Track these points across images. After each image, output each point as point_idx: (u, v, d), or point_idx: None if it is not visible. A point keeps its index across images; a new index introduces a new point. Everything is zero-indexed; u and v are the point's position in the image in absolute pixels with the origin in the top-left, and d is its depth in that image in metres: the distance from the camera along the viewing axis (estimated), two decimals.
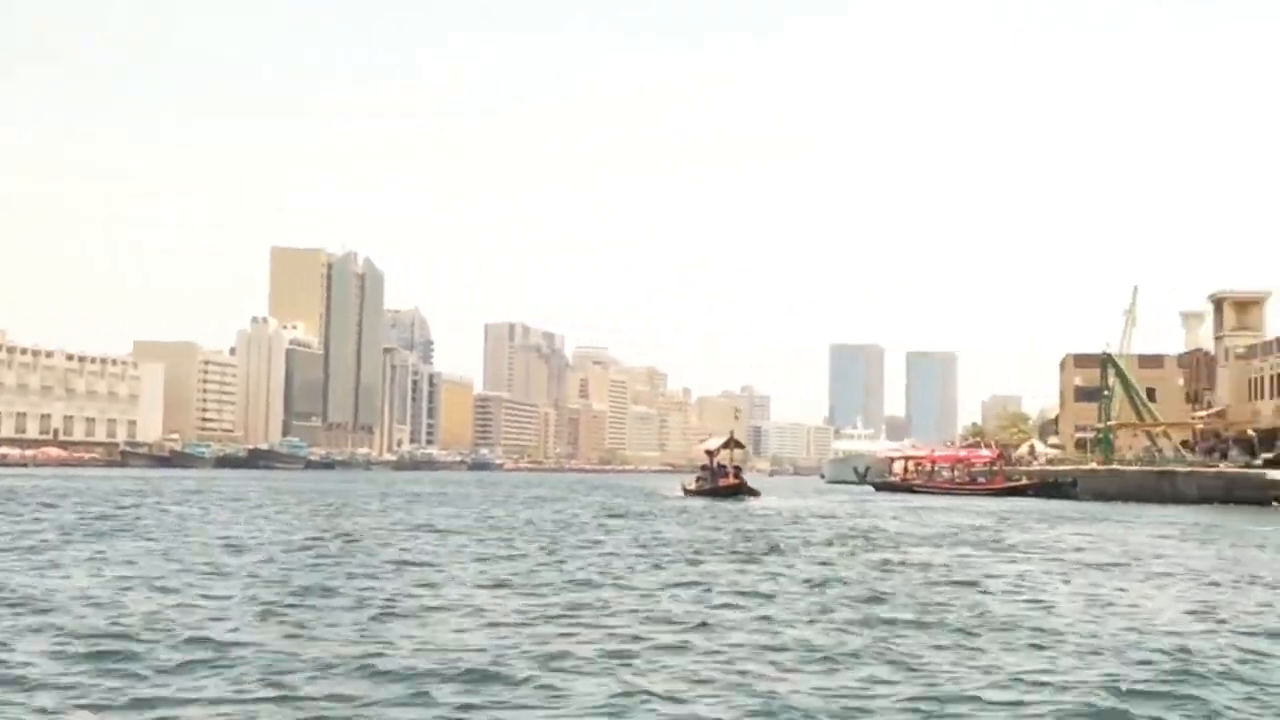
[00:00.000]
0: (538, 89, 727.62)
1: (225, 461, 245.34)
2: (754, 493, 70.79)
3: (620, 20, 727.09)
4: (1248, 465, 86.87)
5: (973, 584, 23.55)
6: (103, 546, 29.87)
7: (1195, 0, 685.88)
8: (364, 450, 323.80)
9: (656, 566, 26.42)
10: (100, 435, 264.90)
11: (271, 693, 12.10)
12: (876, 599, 20.56)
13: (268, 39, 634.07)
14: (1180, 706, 12.03)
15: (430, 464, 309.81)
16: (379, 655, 14.02)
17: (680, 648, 15.09)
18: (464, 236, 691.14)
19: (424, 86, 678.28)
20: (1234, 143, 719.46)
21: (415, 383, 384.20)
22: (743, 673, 13.53)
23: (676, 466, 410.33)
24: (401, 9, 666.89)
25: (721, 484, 70.08)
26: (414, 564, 25.78)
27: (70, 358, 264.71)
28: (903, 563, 28.36)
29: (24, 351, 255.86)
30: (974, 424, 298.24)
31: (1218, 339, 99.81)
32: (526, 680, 12.89)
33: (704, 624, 17.03)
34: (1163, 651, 15.09)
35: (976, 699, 12.16)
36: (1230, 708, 12.04)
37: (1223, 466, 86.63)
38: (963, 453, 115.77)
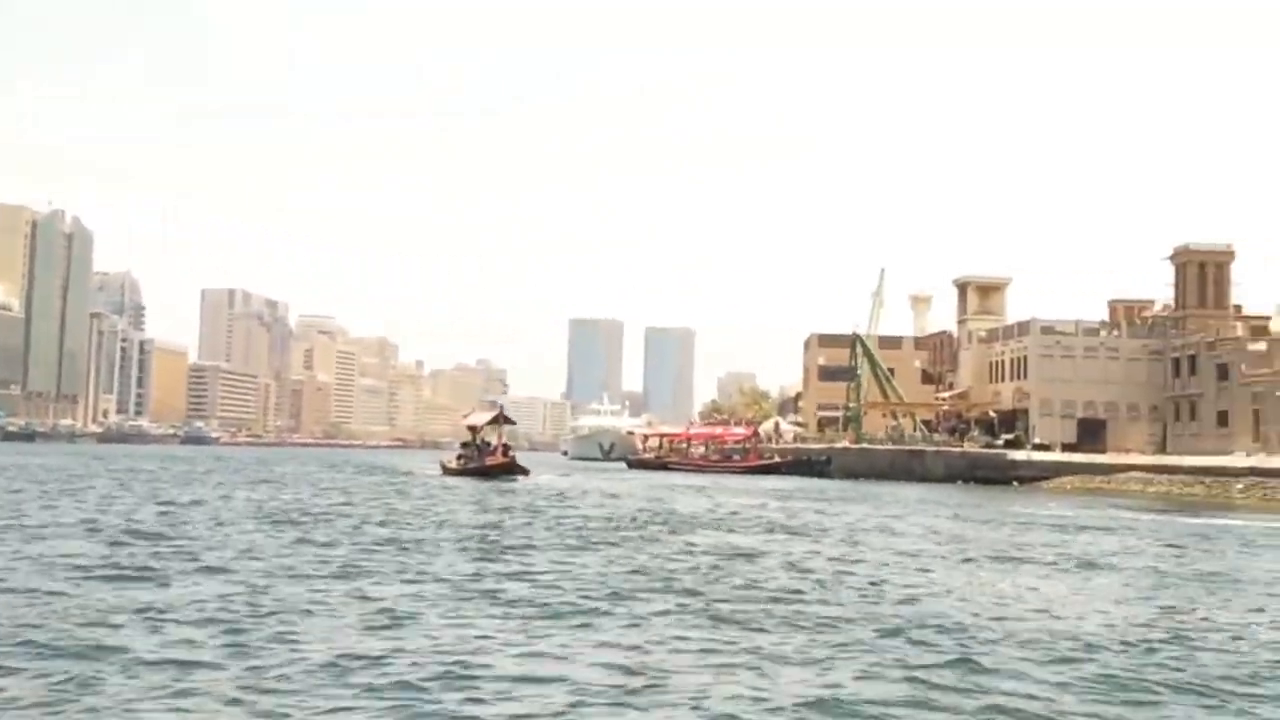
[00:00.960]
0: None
1: None
2: (524, 471, 70.48)
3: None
4: (989, 445, 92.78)
5: (840, 575, 24.27)
6: None
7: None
8: (67, 421, 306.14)
9: (479, 557, 26.12)
10: None
11: None
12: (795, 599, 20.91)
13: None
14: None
15: (140, 436, 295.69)
16: None
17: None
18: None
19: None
20: (978, 132, 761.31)
21: (124, 350, 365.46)
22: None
23: (406, 442, 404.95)
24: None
25: (489, 462, 69.27)
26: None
27: None
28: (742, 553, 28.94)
29: None
30: (713, 401, 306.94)
31: (960, 322, 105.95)
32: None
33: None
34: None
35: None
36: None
37: (966, 447, 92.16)
38: (719, 430, 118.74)
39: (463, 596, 18.90)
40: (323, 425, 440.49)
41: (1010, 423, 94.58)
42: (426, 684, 12.54)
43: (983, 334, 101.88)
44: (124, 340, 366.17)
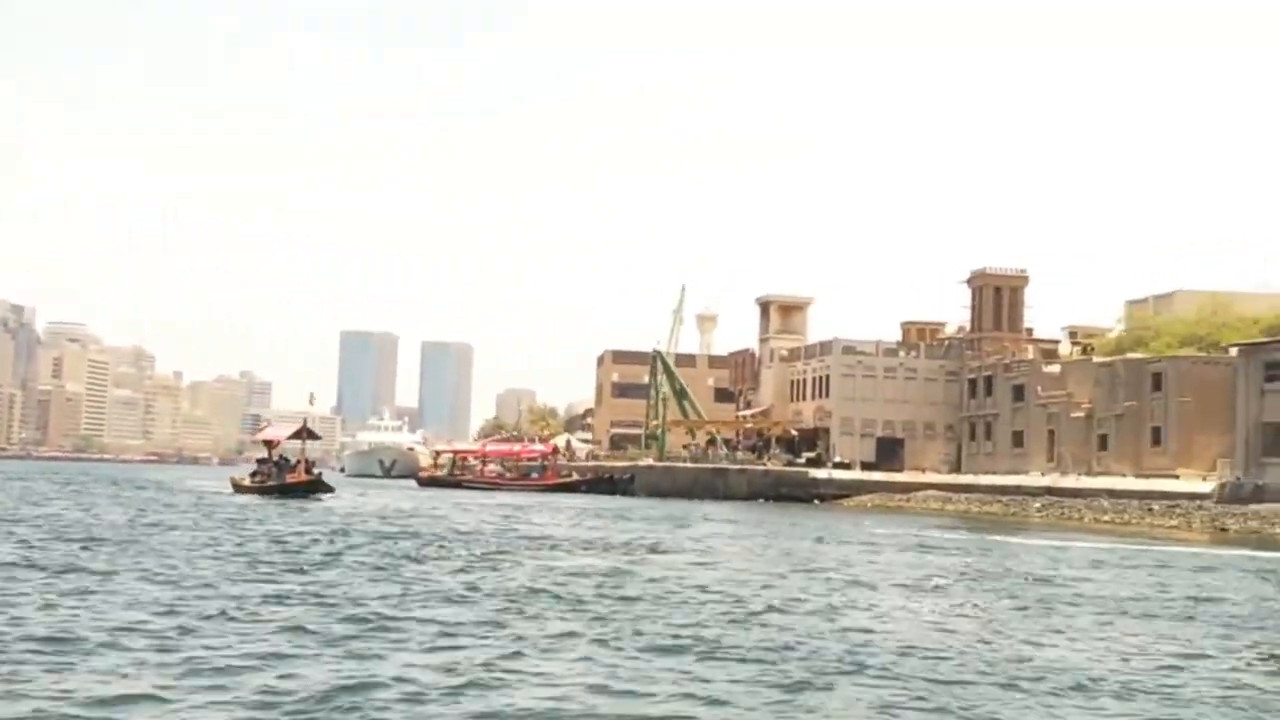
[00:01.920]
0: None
1: None
2: (329, 489, 67.83)
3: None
4: (790, 464, 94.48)
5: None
6: None
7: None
8: None
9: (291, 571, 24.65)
10: None
11: None
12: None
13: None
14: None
15: None
16: None
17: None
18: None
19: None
20: (786, 152, 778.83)
21: None
22: None
23: (163, 456, 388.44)
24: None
25: (291, 479, 66.35)
26: None
27: None
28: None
29: None
30: (495, 417, 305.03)
31: (763, 341, 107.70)
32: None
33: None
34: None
35: None
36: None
37: (769, 465, 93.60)
38: (516, 447, 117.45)
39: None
40: (72, 438, 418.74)
41: (812, 441, 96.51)
42: None
43: (784, 353, 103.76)
44: None
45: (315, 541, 33.21)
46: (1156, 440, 75.20)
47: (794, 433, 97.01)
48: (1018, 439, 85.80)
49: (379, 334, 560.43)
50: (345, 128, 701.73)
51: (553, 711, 12.34)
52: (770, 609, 20.87)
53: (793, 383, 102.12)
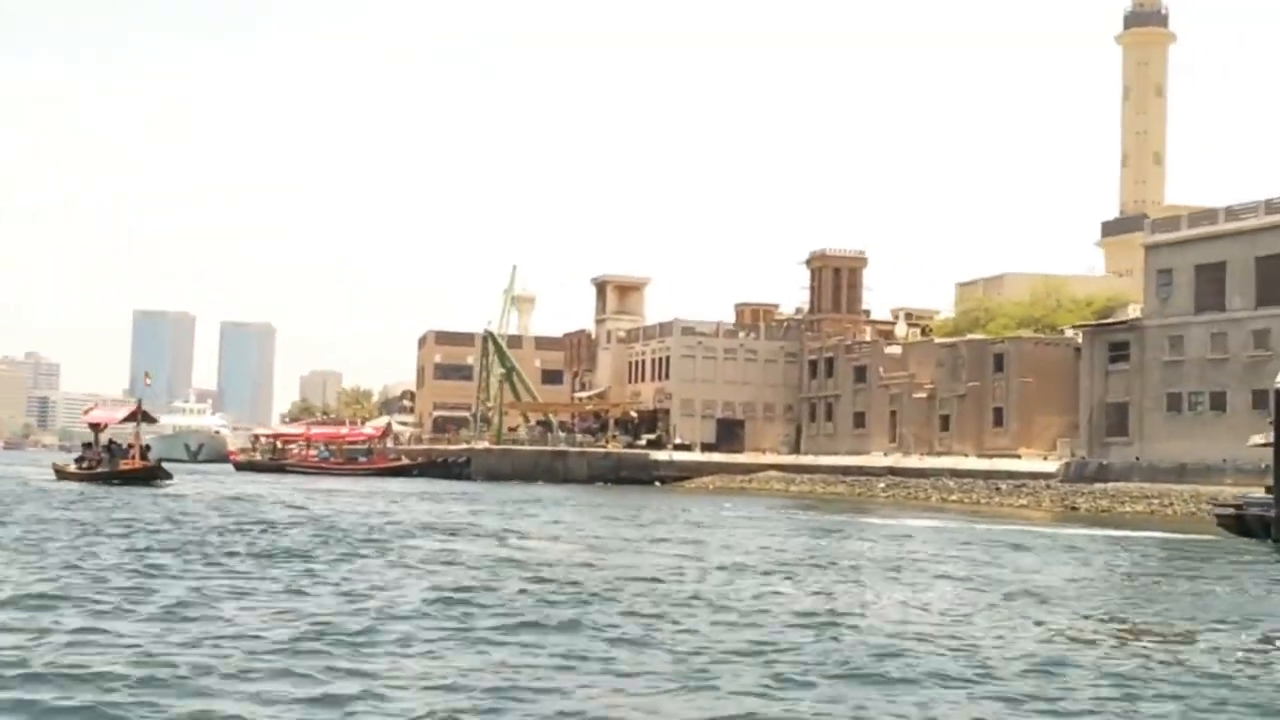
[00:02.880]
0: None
1: None
2: (168, 475, 63.75)
3: None
4: (630, 446, 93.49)
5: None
6: None
7: None
8: None
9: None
10: None
11: None
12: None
13: None
14: None
15: None
16: None
17: None
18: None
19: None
20: (611, 133, 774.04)
21: None
22: None
23: None
24: None
25: (125, 466, 62.13)
26: None
27: None
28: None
29: None
30: (303, 399, 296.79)
31: (599, 321, 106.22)
32: None
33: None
34: None
35: None
36: None
37: (610, 447, 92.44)
38: (342, 430, 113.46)
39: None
40: None
41: (651, 423, 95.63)
42: None
43: (622, 334, 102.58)
44: None
45: (245, 532, 30.51)
46: (998, 420, 76.49)
47: (634, 414, 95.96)
48: (859, 420, 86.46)
49: (175, 313, 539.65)
50: (130, 95, 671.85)
51: None
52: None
53: (631, 364, 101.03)
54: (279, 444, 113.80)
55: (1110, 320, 69.11)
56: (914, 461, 78.19)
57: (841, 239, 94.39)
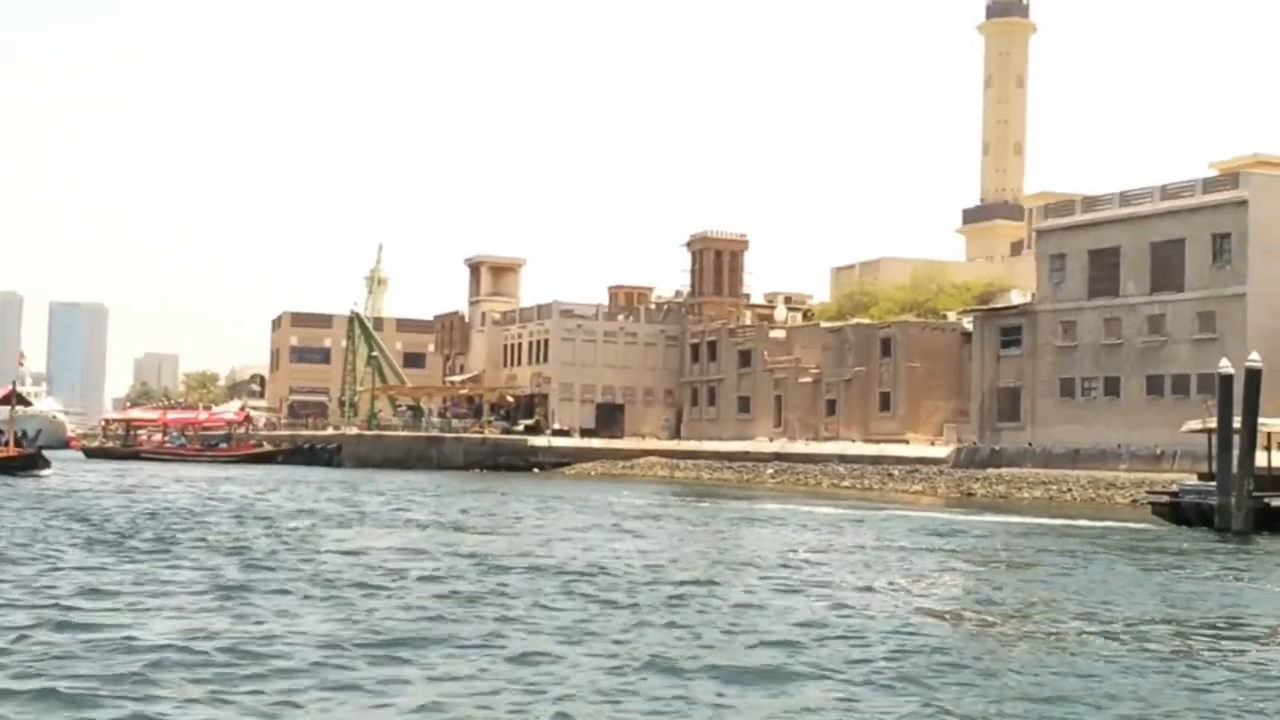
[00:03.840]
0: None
1: None
2: (47, 463, 59.31)
3: None
4: (507, 431, 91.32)
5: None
6: None
7: None
8: None
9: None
10: None
11: None
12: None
13: None
14: None
15: None
16: None
17: None
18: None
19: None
20: (487, 111, 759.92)
21: None
22: None
23: None
24: None
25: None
26: None
27: None
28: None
29: None
30: (143, 383, 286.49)
31: (473, 303, 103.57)
32: None
33: None
34: None
35: None
36: None
37: (486, 433, 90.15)
38: (202, 415, 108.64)
39: None
40: None
41: (529, 408, 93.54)
42: None
43: (497, 316, 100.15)
44: None
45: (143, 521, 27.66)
46: (885, 405, 76.43)
47: (510, 399, 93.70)
48: (744, 404, 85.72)
49: (2, 293, 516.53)
50: None
51: None
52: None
53: (507, 347, 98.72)
54: (130, 429, 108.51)
55: (1002, 305, 69.36)
56: (800, 447, 77.72)
57: (714, 222, 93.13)
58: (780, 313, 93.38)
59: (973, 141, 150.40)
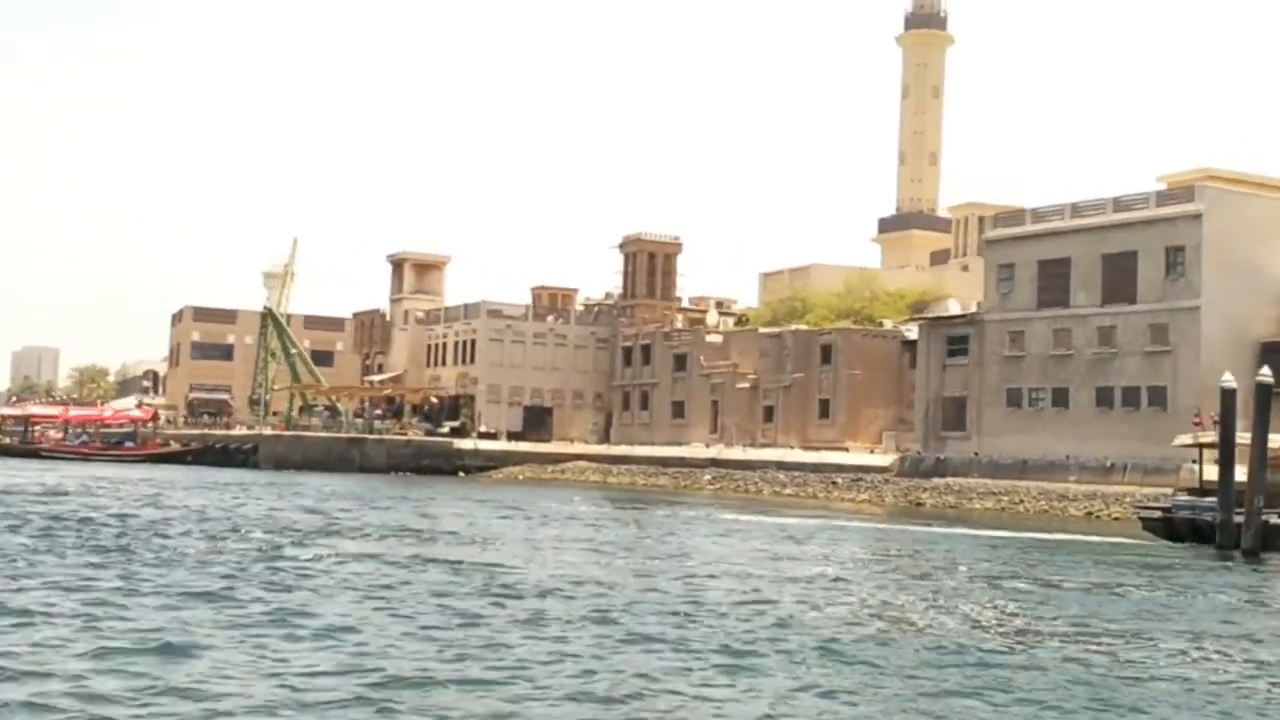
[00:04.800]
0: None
1: None
2: None
3: None
4: (431, 433, 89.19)
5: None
6: None
7: None
8: None
9: None
10: None
11: None
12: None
13: None
14: None
15: None
16: None
17: None
18: None
19: None
20: (408, 107, 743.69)
21: None
22: None
23: None
24: None
25: None
26: None
27: None
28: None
29: None
30: (25, 377, 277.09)
31: (395, 301, 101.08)
32: None
33: None
34: None
35: None
36: None
37: (411, 435, 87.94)
38: (106, 413, 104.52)
39: None
40: None
41: (454, 409, 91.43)
42: None
43: (421, 314, 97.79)
44: None
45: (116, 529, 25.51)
46: (824, 412, 75.88)
47: (434, 400, 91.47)
48: (678, 409, 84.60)
49: None
50: None
51: None
52: None
53: (431, 346, 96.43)
54: (29, 426, 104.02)
55: (947, 314, 69.10)
56: (737, 453, 76.82)
57: (637, 225, 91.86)
58: (712, 317, 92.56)
59: (890, 151, 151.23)
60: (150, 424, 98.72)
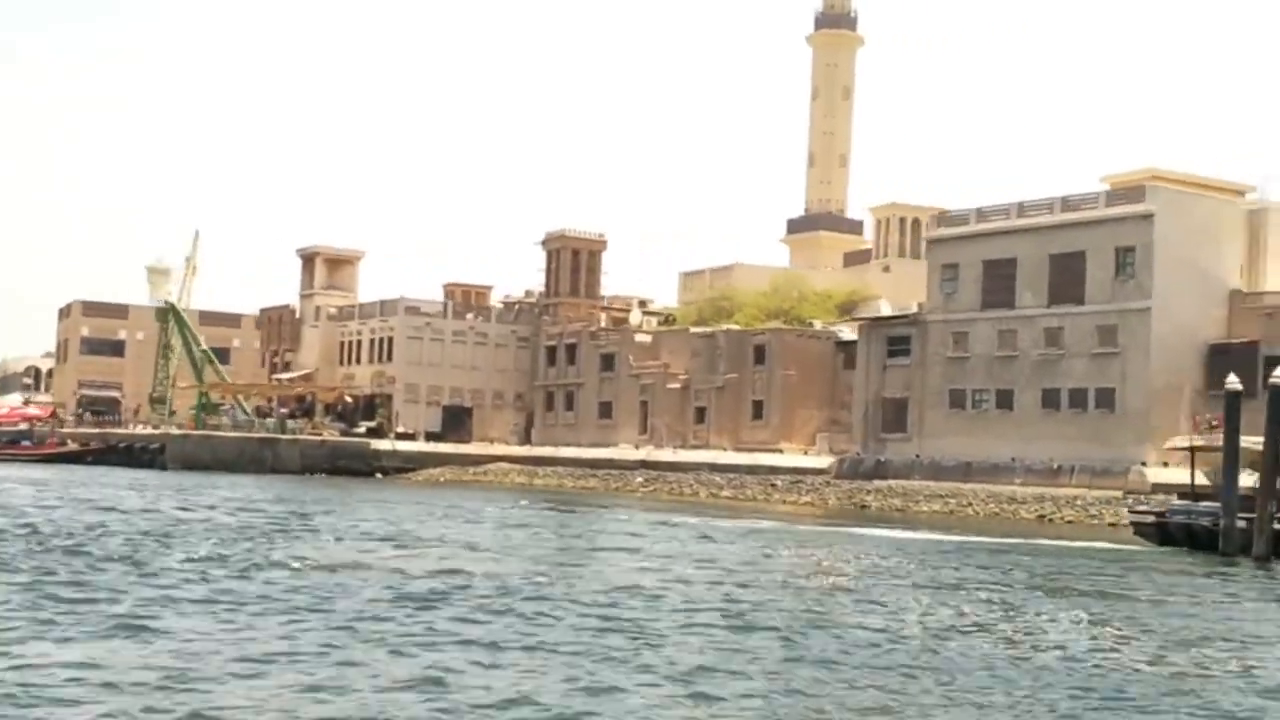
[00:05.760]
0: None
1: None
2: None
3: None
4: (346, 434, 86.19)
5: None
6: None
7: None
8: None
9: None
10: None
11: None
12: None
13: None
14: None
15: None
16: None
17: None
18: None
19: None
20: (324, 100, 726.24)
21: None
22: None
23: None
24: None
25: None
26: None
27: None
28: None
29: None
30: None
31: (305, 296, 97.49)
32: None
33: None
34: None
35: None
36: None
37: (326, 435, 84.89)
38: (3, 410, 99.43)
39: None
40: None
41: (369, 409, 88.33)
42: None
43: (333, 310, 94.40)
44: None
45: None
46: (758, 414, 74.45)
47: (349, 399, 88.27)
48: (605, 410, 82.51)
49: None
50: None
51: None
52: None
53: (344, 344, 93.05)
54: None
55: (892, 315, 68.09)
56: (668, 455, 75.11)
57: (558, 223, 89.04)
58: (635, 316, 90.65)
59: (801, 152, 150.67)
60: (49, 422, 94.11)
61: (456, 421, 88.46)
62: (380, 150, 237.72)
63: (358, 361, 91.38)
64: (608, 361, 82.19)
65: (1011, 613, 20.47)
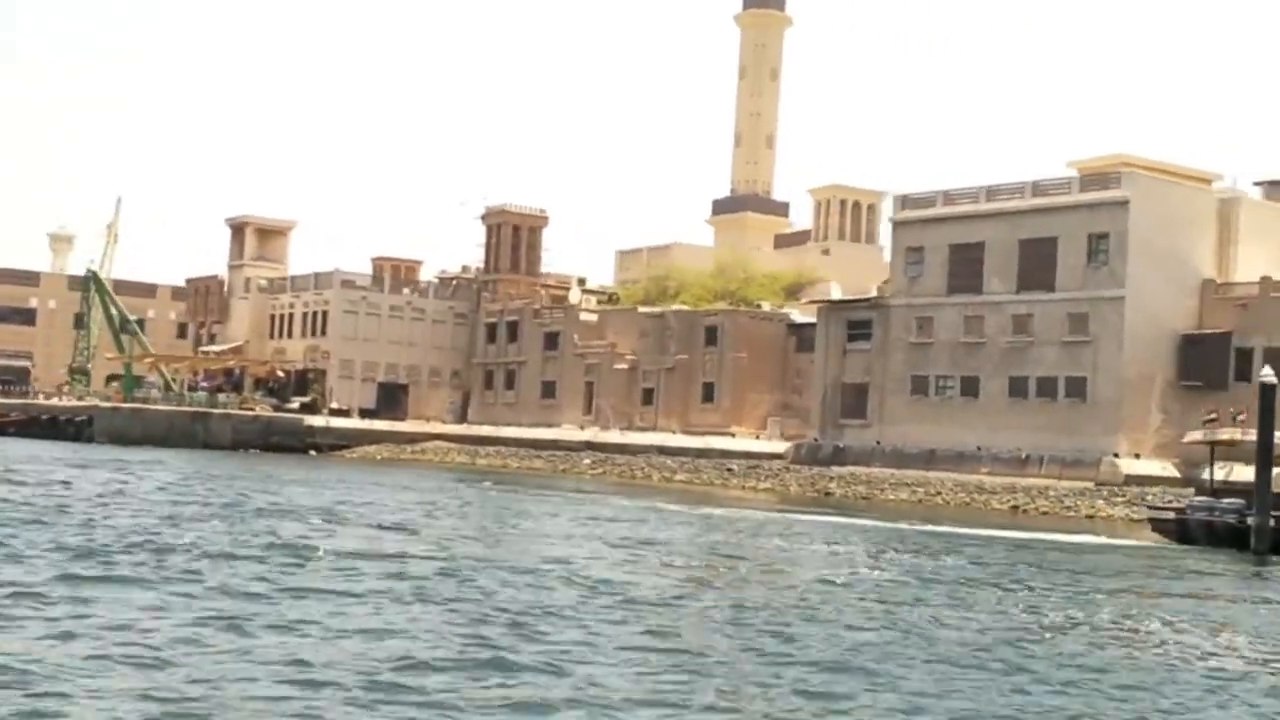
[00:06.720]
0: None
1: None
2: None
3: None
4: (279, 409, 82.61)
5: None
6: None
7: None
8: None
9: None
10: None
11: None
12: None
13: None
14: None
15: None
16: None
17: None
18: None
19: None
20: (262, 74, 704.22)
21: None
22: None
23: None
24: None
25: None
26: None
27: None
28: None
29: None
30: None
31: (234, 268, 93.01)
32: None
33: None
34: None
35: None
36: None
37: (259, 410, 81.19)
38: None
39: None
40: None
41: (302, 384, 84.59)
42: None
43: (264, 282, 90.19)
44: None
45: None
46: (708, 396, 72.22)
47: (281, 374, 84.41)
48: (549, 389, 79.65)
49: None
50: None
51: None
52: None
53: (275, 317, 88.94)
54: None
55: (853, 298, 66.16)
56: (614, 436, 72.66)
57: (496, 198, 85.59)
58: (575, 294, 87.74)
59: (728, 133, 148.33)
60: None
61: (392, 399, 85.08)
62: (315, 123, 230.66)
63: (289, 335, 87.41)
64: (551, 340, 79.32)
65: (1095, 615, 18.39)
